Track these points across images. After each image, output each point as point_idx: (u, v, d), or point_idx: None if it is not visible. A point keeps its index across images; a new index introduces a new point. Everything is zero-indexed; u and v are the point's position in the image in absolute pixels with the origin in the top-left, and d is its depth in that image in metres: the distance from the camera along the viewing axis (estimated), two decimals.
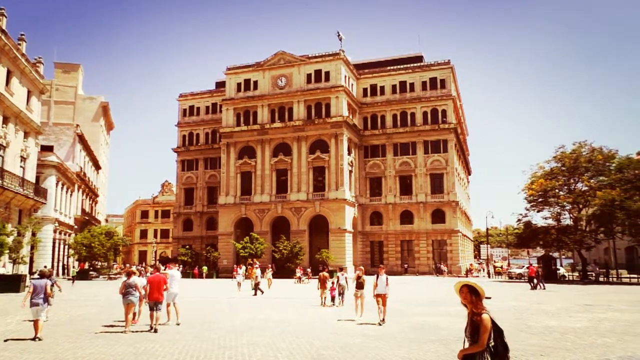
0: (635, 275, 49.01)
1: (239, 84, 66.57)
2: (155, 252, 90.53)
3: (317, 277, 24.32)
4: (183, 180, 74.21)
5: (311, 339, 12.99)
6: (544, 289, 33.99)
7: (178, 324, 15.56)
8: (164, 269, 17.61)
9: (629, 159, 46.83)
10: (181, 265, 58.88)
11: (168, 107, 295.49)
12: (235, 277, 51.78)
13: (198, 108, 75.47)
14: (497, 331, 4.97)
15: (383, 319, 15.72)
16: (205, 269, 57.83)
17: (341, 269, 24.15)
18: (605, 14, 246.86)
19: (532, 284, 34.93)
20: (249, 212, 62.63)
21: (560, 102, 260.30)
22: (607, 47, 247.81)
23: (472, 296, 5.06)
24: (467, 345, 5.03)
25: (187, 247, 67.59)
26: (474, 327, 4.95)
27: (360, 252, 63.63)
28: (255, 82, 65.81)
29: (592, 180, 46.85)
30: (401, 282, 41.75)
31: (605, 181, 45.62)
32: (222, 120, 66.79)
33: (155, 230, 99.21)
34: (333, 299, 22.56)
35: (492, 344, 4.89)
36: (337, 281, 22.45)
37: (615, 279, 47.28)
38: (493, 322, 4.93)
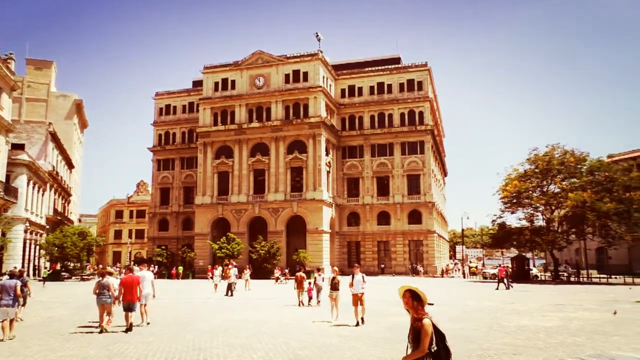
0: (605, 276, 50.22)
1: (216, 83, 66.08)
2: (130, 252, 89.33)
3: (294, 277, 24.44)
4: (159, 180, 73.31)
5: (288, 340, 12.97)
6: (511, 288, 34.66)
7: (148, 324, 15.52)
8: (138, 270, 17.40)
9: (600, 161, 48.02)
10: (156, 266, 58.28)
11: (144, 106, 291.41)
12: (210, 278, 51.73)
13: (175, 107, 74.65)
14: (439, 335, 4.97)
15: (362, 319, 15.59)
16: (180, 269, 57.27)
17: (318, 270, 24.30)
18: (579, 16, 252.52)
19: (501, 284, 35.50)
20: (226, 213, 62.21)
21: (535, 105, 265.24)
22: (582, 49, 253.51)
23: (413, 301, 5.07)
24: (409, 351, 5.03)
25: (163, 247, 66.76)
26: (416, 332, 4.96)
27: (337, 252, 63.77)
28: (233, 82, 65.40)
29: (564, 182, 47.83)
30: (377, 282, 41.96)
31: (576, 183, 46.65)
32: (199, 120, 66.18)
33: (130, 231, 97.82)
34: (310, 299, 22.90)
35: (435, 348, 4.88)
36: (314, 281, 22.76)
37: (585, 279, 48.33)
38: (434, 326, 4.94)
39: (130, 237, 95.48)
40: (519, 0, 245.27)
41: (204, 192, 63.30)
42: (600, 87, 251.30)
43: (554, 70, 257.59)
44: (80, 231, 52.98)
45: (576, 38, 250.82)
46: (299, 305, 22.57)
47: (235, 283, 30.22)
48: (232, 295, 29.12)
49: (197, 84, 73.49)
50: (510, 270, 38.45)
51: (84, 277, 51.87)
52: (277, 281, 44.30)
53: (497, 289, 34.72)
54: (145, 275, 16.34)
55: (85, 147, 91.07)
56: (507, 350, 11.31)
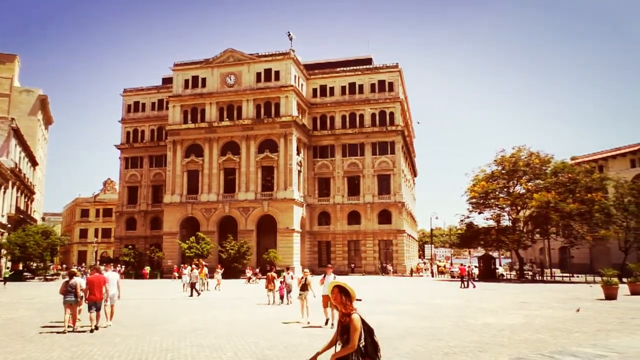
0: (568, 274, 51.70)
1: (186, 81, 65.23)
2: (96, 252, 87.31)
3: (265, 277, 24.59)
4: (127, 178, 71.96)
5: (257, 339, 12.92)
6: (474, 287, 35.40)
7: (110, 325, 15.23)
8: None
9: (564, 163, 49.39)
10: (124, 266, 57.24)
11: (112, 103, 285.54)
12: (176, 278, 51.19)
13: (143, 104, 73.38)
14: (368, 330, 4.95)
15: (332, 323, 14.97)
16: (148, 269, 56.36)
17: (288, 268, 24.52)
18: (549, 18, 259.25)
19: (463, 283, 36.25)
20: (196, 212, 61.51)
21: (503, 106, 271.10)
22: (549, 53, 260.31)
23: (342, 296, 5.04)
24: (339, 347, 4.98)
25: (130, 247, 65.59)
26: (344, 328, 4.92)
27: (308, 252, 63.81)
28: (204, 80, 64.68)
29: (529, 183, 49.00)
30: (347, 281, 42.13)
31: (541, 184, 47.83)
32: (169, 118, 65.24)
33: (96, 230, 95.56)
34: (282, 297, 23.25)
35: (363, 343, 4.85)
36: (284, 280, 23.05)
37: (549, 278, 49.64)
38: (363, 321, 4.91)
39: (96, 236, 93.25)
40: (488, 2, 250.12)
41: (173, 191, 62.44)
42: (566, 91, 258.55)
43: (523, 73, 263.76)
44: (43, 230, 51.57)
45: (545, 41, 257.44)
46: (270, 304, 22.69)
47: (196, 283, 29.59)
48: (197, 294, 28.64)
49: (167, 81, 72.44)
50: (471, 269, 39.25)
51: (47, 277, 50.50)
52: (249, 281, 44.09)
53: (463, 287, 35.38)
54: (110, 276, 16.01)
55: (50, 144, 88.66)
56: (473, 348, 11.52)
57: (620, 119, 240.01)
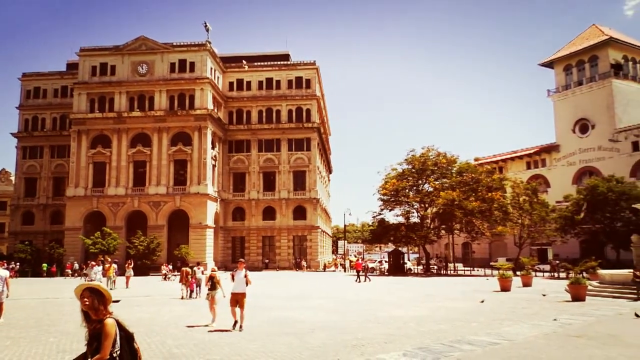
0: (469, 268, 55.11)
1: (94, 67, 61.54)
2: None
3: (179, 272, 25.54)
4: (24, 169, 66.74)
5: (164, 338, 12.51)
6: (367, 280, 36.76)
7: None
8: None
9: (468, 164, 52.58)
10: (18, 263, 53.05)
11: (8, 87, 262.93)
12: (69, 275, 48.56)
13: (45, 90, 68.37)
14: (126, 337, 4.38)
15: (241, 325, 13.53)
16: (44, 266, 52.66)
17: (198, 264, 24.69)
18: (463, 18, 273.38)
19: (359, 278, 37.38)
20: (102, 206, 58.35)
21: (414, 107, 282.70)
22: (462, 53, 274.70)
23: (94, 300, 4.33)
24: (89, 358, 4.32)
25: (27, 243, 60.83)
26: (95, 335, 4.25)
27: (221, 247, 62.80)
28: (113, 67, 61.38)
29: (437, 182, 51.57)
30: (261, 277, 42.07)
31: (447, 183, 50.55)
32: (74, 106, 61.16)
33: None
34: (192, 291, 24.11)
35: (118, 352, 4.24)
36: (194, 275, 23.85)
37: (453, 272, 52.60)
38: (121, 326, 4.34)
39: None
40: (406, 1, 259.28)
41: (77, 184, 58.78)
42: (476, 93, 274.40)
43: (437, 75, 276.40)
44: None
45: (462, 43, 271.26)
46: (183, 298, 23.43)
47: (94, 280, 28.06)
48: None
49: (72, 66, 68.00)
50: (367, 264, 40.86)
51: None
52: (165, 278, 42.26)
53: (358, 281, 36.44)
54: None
55: None
56: (380, 340, 11.91)
57: (519, 125, 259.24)
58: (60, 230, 60.59)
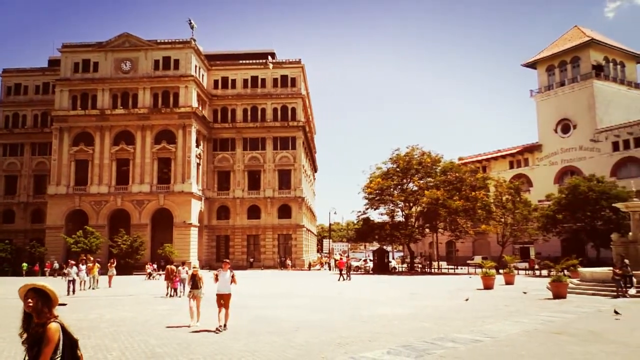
0: (453, 266, 55.54)
1: (76, 64, 60.67)
2: None
3: (164, 271, 25.81)
4: (4, 167, 65.59)
5: (146, 338, 12.39)
6: (348, 279, 36.71)
7: None
8: None
9: (452, 163, 52.98)
10: None
11: None
12: (50, 275, 47.88)
13: (26, 87, 67.25)
14: (69, 343, 4.10)
15: (225, 325, 13.35)
16: (24, 266, 51.81)
17: (184, 263, 24.39)
18: (449, 17, 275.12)
19: (342, 276, 37.39)
20: (84, 204, 57.61)
21: (400, 107, 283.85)
22: (451, 54, 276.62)
23: (38, 302, 4.06)
24: None
25: (7, 242, 59.75)
26: (37, 340, 3.96)
27: (206, 246, 62.43)
28: (96, 64, 60.58)
29: (421, 181, 51.84)
30: (246, 276, 41.90)
31: (431, 182, 50.87)
32: (55, 103, 60.26)
33: None
34: (175, 290, 24.16)
35: (59, 359, 3.96)
36: (179, 274, 24.06)
37: (437, 270, 52.96)
38: (65, 332, 4.06)
39: None
40: (389, 1, 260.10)
41: (59, 182, 57.95)
42: (461, 94, 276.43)
43: (421, 73, 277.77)
44: None
45: (443, 40, 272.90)
46: (167, 296, 23.56)
47: (75, 280, 27.43)
48: (73, 293, 26.42)
49: (54, 63, 66.92)
50: (350, 263, 40.83)
51: None
52: (149, 277, 41.89)
53: (342, 279, 36.46)
54: None
55: None
56: (364, 338, 11.95)
57: (502, 125, 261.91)
58: (42, 228, 59.67)
